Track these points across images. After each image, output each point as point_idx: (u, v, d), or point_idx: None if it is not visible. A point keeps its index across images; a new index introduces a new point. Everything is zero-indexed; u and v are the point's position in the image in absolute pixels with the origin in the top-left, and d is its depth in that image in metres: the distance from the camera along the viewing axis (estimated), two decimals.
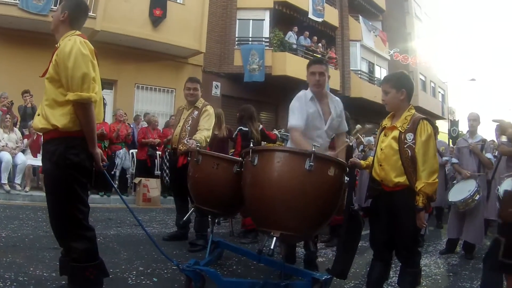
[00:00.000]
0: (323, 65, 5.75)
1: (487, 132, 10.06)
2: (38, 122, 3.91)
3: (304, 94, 5.71)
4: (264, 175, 4.23)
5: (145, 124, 14.66)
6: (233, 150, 9.31)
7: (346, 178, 4.55)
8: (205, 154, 5.47)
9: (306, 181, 4.05)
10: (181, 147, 7.16)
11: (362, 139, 11.94)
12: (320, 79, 5.61)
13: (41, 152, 3.83)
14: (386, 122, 4.76)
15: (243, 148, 7.60)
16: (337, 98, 5.90)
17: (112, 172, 12.52)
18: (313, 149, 4.05)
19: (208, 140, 7.02)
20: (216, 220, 5.93)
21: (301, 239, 5.15)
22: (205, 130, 7.00)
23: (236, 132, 8.50)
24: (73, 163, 3.81)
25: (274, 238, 4.13)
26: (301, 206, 4.07)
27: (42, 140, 4.05)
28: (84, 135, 3.87)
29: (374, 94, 27.38)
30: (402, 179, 4.35)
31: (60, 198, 3.87)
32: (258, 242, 7.78)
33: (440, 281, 6.39)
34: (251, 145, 4.49)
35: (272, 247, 4.10)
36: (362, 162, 4.93)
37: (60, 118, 3.79)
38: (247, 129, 8.33)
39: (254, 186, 4.35)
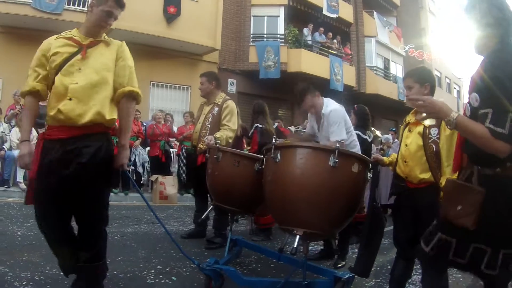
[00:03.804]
0: (305, 100, 6.24)
1: None
2: (80, 109, 3.69)
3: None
4: (287, 172, 4.15)
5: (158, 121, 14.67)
6: (248, 148, 9.19)
7: (369, 174, 4.48)
8: (226, 151, 5.38)
9: (330, 177, 3.98)
10: (201, 146, 7.06)
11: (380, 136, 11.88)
12: (314, 110, 6.28)
13: (70, 147, 3.61)
14: (410, 118, 4.64)
15: (260, 146, 7.53)
16: (324, 112, 6.15)
17: (132, 168, 12.59)
18: (337, 145, 3.98)
19: (231, 141, 6.91)
20: (235, 218, 5.85)
21: (324, 237, 5.08)
22: (230, 131, 6.93)
23: (253, 129, 8.40)
24: (111, 158, 3.90)
25: (297, 236, 4.05)
26: (324, 204, 4.00)
27: (73, 133, 3.71)
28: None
29: (389, 90, 27.27)
30: (427, 175, 4.24)
31: (101, 193, 3.94)
32: (270, 241, 7.74)
33: (461, 279, 6.26)
34: (273, 141, 4.41)
35: (295, 246, 4.01)
36: (385, 158, 4.85)
37: (111, 112, 3.87)
38: (263, 126, 8.24)
39: (276, 183, 4.27)
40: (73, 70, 3.71)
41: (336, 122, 5.99)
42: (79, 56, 3.76)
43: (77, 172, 3.64)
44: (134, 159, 12.98)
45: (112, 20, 3.99)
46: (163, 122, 14.23)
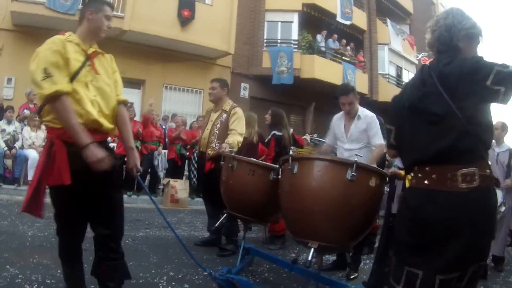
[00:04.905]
0: (349, 95, 6.41)
1: None
2: (107, 121, 3.84)
3: (338, 115, 6.74)
4: (304, 184, 4.12)
5: (173, 125, 14.68)
6: (264, 155, 9.15)
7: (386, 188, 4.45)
8: (241, 160, 5.36)
9: (348, 191, 3.94)
10: (210, 152, 7.07)
11: None
12: (351, 108, 6.42)
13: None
14: None
15: (276, 153, 7.53)
16: (367, 114, 6.46)
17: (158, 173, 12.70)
18: (355, 159, 3.95)
19: (240, 145, 6.92)
20: (248, 226, 5.83)
21: (338, 250, 5.05)
22: (238, 135, 6.91)
23: (270, 136, 8.36)
24: None
25: (312, 249, 4.02)
26: (341, 217, 3.96)
27: (102, 137, 3.84)
28: None
29: None
30: None
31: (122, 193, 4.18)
32: (282, 249, 7.70)
33: None
34: (291, 152, 4.40)
35: (309, 259, 3.98)
36: (402, 172, 4.80)
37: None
38: (281, 133, 8.22)
39: (292, 194, 4.23)
40: (87, 81, 3.71)
41: (377, 127, 6.33)
42: (88, 68, 3.76)
43: (115, 175, 3.83)
44: (157, 163, 13.12)
45: (110, 24, 4.03)
46: (182, 127, 14.28)
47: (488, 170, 2.84)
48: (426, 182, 2.88)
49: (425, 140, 2.88)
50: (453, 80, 2.81)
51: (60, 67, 3.54)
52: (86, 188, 3.59)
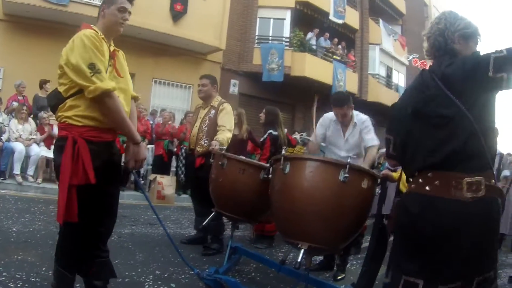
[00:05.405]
0: (343, 108, 6.21)
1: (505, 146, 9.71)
2: None
3: (330, 116, 6.50)
4: (296, 184, 4.05)
5: (161, 120, 14.63)
6: (259, 154, 9.08)
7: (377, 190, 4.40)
8: (231, 158, 5.28)
9: (340, 192, 3.89)
10: (199, 149, 7.01)
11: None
12: (343, 119, 6.30)
13: (113, 149, 3.68)
14: None
15: (272, 153, 7.48)
16: (361, 118, 6.38)
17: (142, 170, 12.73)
18: (348, 160, 3.89)
19: (229, 141, 6.83)
20: (236, 225, 5.77)
21: (328, 251, 5.00)
22: (227, 131, 6.80)
23: (266, 135, 8.29)
24: None
25: (302, 250, 3.95)
26: (332, 218, 3.91)
27: (114, 137, 3.81)
28: None
29: (391, 99, 27.11)
30: None
31: None
32: (269, 249, 7.66)
33: None
34: (283, 151, 4.34)
35: (299, 260, 3.92)
36: (394, 174, 4.75)
37: None
38: (277, 133, 8.17)
39: (284, 195, 4.16)
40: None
41: (372, 129, 6.31)
42: (110, 68, 3.64)
43: (119, 172, 3.82)
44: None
45: (128, 15, 3.88)
46: (170, 123, 14.16)
47: (493, 180, 2.79)
48: (427, 188, 2.82)
49: (431, 145, 2.82)
50: (458, 79, 2.78)
51: (102, 64, 3.47)
52: (97, 186, 3.48)
